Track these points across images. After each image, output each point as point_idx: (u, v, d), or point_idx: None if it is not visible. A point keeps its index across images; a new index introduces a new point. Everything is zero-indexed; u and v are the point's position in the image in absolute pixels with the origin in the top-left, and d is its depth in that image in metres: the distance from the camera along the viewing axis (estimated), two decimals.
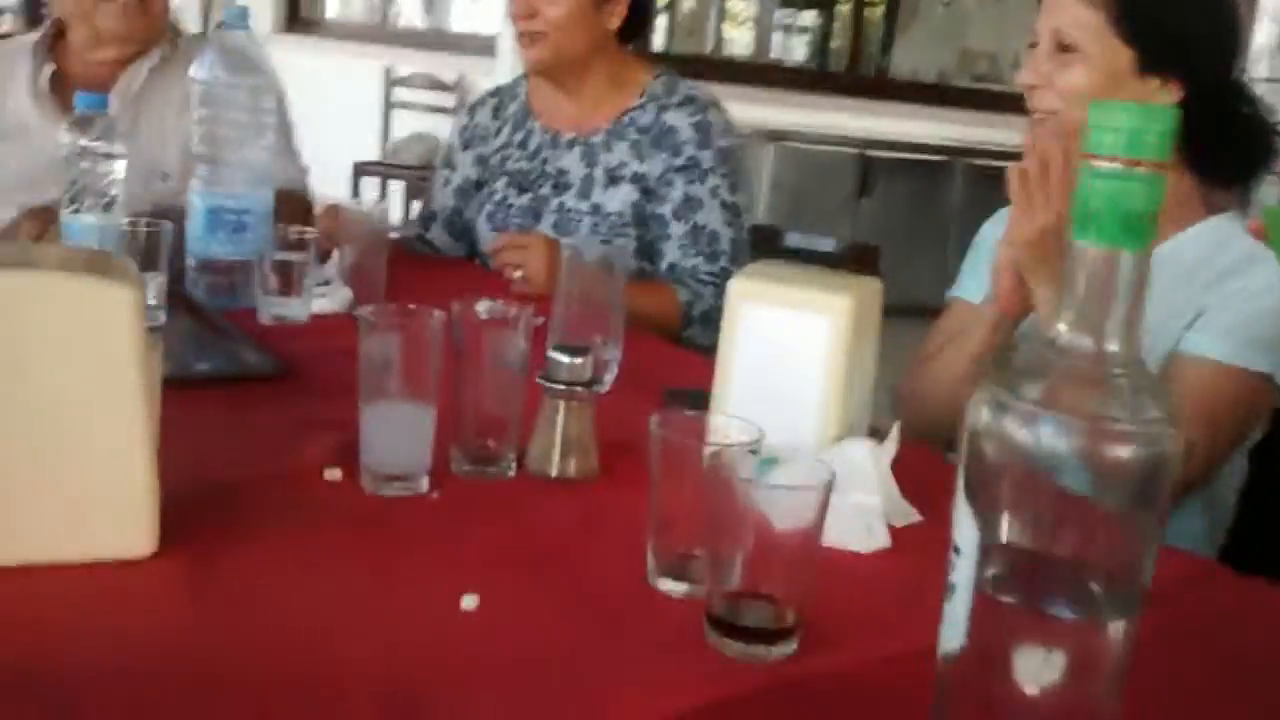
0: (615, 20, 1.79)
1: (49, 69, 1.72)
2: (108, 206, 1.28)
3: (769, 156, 5.46)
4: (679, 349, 1.41)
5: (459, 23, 8.67)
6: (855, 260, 2.05)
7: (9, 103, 1.72)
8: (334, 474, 0.88)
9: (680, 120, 1.79)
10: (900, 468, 0.90)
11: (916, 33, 8.33)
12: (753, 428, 0.76)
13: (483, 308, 1.37)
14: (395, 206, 5.82)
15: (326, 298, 1.35)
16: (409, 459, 0.87)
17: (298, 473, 0.88)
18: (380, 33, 7.21)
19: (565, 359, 0.92)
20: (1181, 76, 1.24)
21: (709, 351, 1.72)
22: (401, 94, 6.03)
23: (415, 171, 5.62)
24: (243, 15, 1.32)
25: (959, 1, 8.24)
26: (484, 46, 5.95)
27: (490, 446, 0.93)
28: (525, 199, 1.85)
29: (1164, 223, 1.28)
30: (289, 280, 1.30)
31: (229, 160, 1.33)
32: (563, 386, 0.92)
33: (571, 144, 1.84)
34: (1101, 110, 0.48)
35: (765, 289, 0.94)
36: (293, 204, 1.67)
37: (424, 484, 0.88)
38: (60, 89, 1.72)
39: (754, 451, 0.74)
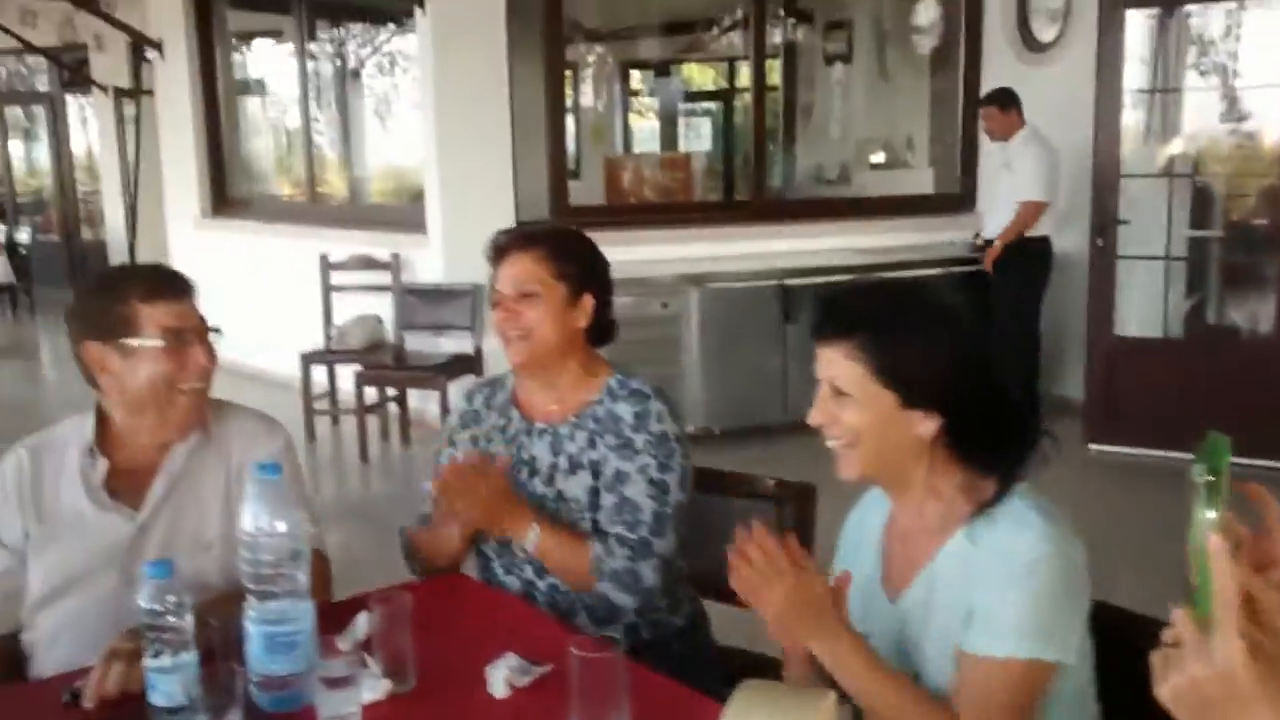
0: (582, 320, 2.09)
1: (103, 465, 1.89)
2: (181, 649, 1.52)
3: (694, 300, 5.79)
4: (685, 694, 1.64)
5: (373, 156, 8.98)
6: (795, 499, 2.32)
7: (64, 498, 1.88)
8: None
9: (625, 410, 2.07)
10: None
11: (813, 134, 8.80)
12: None
13: (502, 675, 1.63)
14: (347, 391, 6.04)
15: (369, 690, 1.59)
16: None
17: None
18: (309, 211, 7.43)
19: None
20: (938, 406, 1.49)
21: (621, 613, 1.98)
22: (339, 277, 6.26)
23: (363, 355, 5.85)
24: (275, 468, 1.58)
25: (849, 96, 8.76)
26: (415, 222, 6.22)
27: None
28: None
29: (944, 530, 1.55)
30: (339, 685, 1.54)
31: (276, 591, 1.57)
32: None
33: (542, 433, 2.11)
34: None
35: None
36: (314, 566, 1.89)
37: None
38: (110, 480, 1.89)
39: None
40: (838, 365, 1.51)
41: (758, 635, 2.30)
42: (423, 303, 5.89)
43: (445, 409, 5.38)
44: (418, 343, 5.90)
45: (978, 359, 1.53)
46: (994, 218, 6.08)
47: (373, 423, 5.89)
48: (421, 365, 5.65)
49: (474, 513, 1.92)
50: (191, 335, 1.89)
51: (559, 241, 2.11)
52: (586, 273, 2.11)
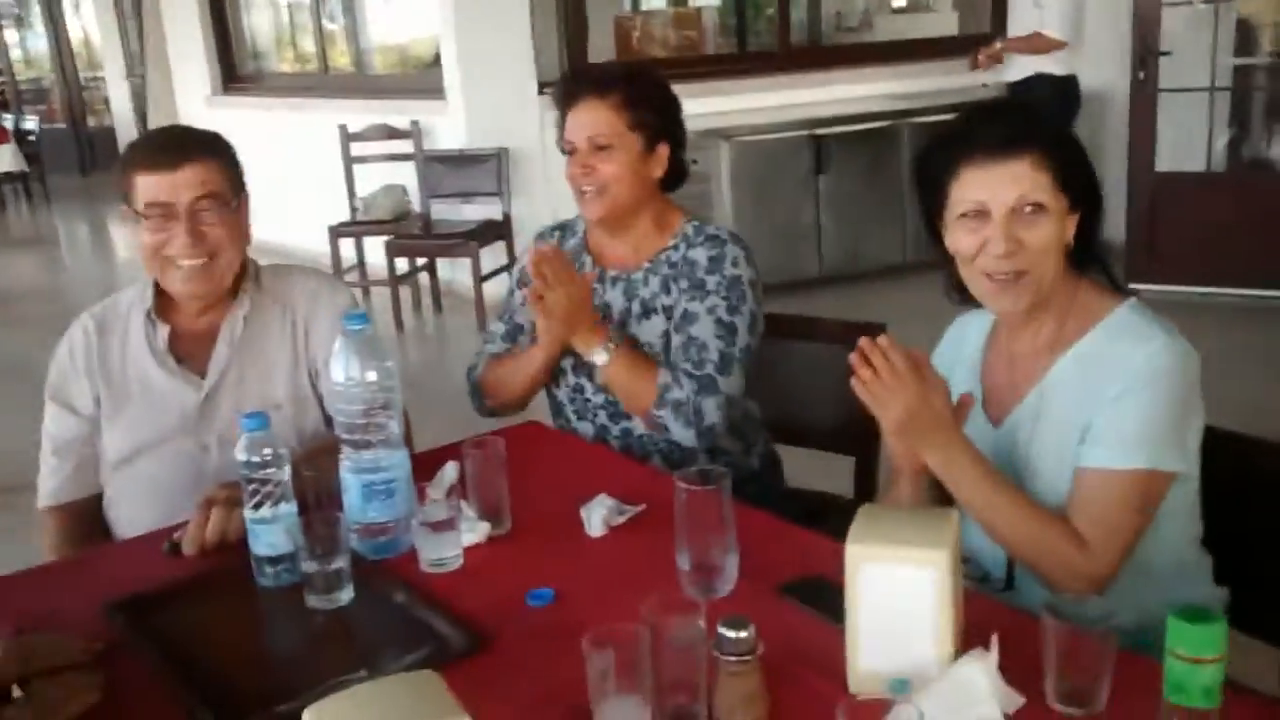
0: (658, 170, 2.04)
1: (164, 331, 1.88)
2: (281, 499, 1.52)
3: (725, 153, 5.69)
4: (778, 526, 1.64)
5: (375, 28, 8.75)
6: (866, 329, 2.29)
7: (131, 364, 1.88)
8: None
9: (700, 255, 2.03)
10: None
11: None
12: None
13: (599, 515, 1.63)
14: (374, 264, 5.97)
15: (468, 533, 1.60)
16: None
17: None
18: (323, 82, 7.27)
19: (731, 634, 1.18)
20: (1087, 208, 1.50)
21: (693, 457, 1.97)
22: (359, 148, 6.13)
23: (391, 225, 5.78)
24: (362, 317, 1.55)
25: None
26: (432, 89, 6.07)
27: (684, 704, 1.19)
28: None
29: (1059, 346, 1.51)
30: (440, 528, 1.54)
31: (371, 441, 1.56)
32: (733, 658, 1.18)
33: (615, 280, 2.08)
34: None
35: (877, 550, 1.20)
36: None
37: None
38: (174, 345, 1.89)
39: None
40: (1026, 179, 1.44)
41: (830, 477, 2.32)
42: (447, 170, 5.80)
43: (477, 276, 5.34)
44: (444, 210, 5.82)
45: None
46: (1026, 60, 5.90)
47: (404, 293, 5.86)
48: (450, 233, 5.57)
49: (559, 306, 1.90)
50: (182, 210, 1.79)
51: (634, 87, 2.02)
52: (663, 120, 2.04)
